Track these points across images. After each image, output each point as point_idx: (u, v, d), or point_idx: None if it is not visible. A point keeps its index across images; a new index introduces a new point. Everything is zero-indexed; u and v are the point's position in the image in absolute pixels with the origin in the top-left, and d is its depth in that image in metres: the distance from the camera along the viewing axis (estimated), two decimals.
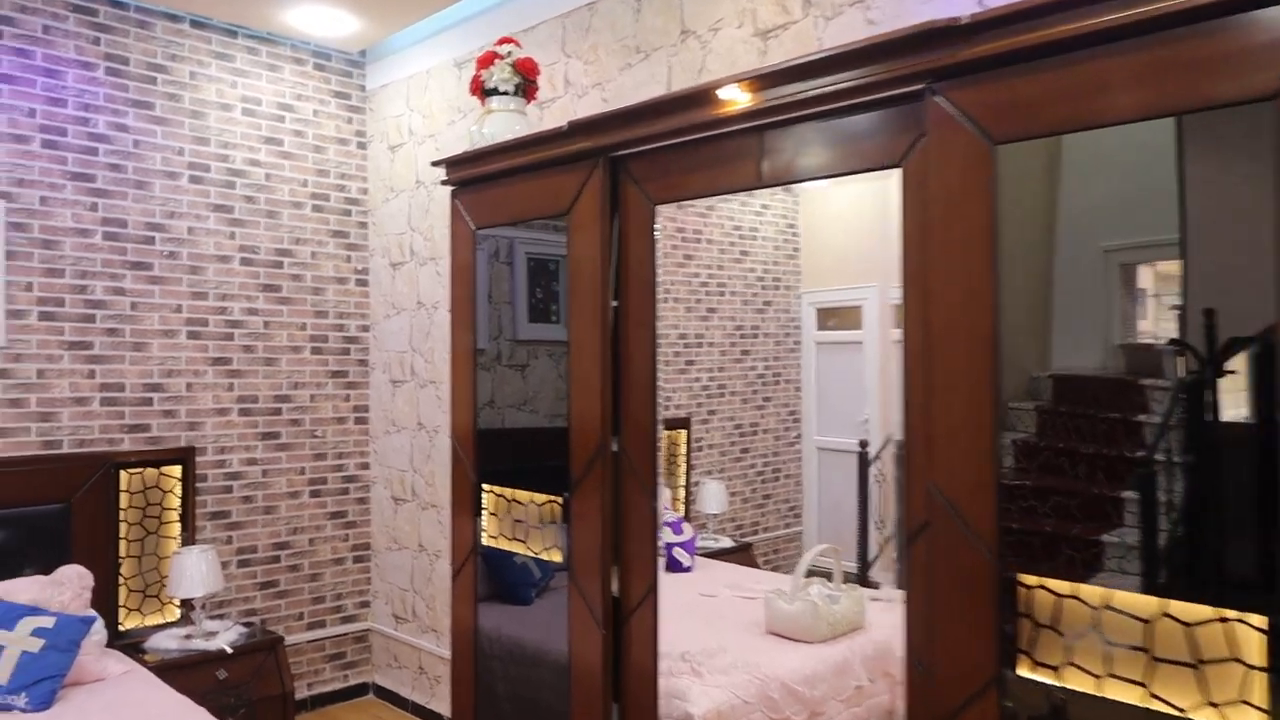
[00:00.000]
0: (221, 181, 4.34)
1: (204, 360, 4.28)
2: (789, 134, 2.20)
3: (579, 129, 2.65)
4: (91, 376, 3.95)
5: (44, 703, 3.10)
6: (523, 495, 2.94)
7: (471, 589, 3.12)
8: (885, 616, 2.70)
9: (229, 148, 4.36)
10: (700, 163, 2.42)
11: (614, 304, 2.65)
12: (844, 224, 3.22)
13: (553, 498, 2.83)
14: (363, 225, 4.84)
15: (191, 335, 4.24)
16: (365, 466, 4.84)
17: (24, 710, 3.07)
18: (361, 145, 4.84)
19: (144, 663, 3.62)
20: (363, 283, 4.84)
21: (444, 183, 3.20)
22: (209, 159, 4.30)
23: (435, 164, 3.22)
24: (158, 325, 4.14)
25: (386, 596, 4.74)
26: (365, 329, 4.85)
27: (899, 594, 1.97)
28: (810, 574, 2.97)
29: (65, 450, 3.88)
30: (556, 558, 2.81)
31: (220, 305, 4.33)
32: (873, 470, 3.02)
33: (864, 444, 3.04)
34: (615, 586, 2.62)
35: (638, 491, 2.59)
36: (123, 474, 3.96)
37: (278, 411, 4.52)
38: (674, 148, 2.47)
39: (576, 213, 2.72)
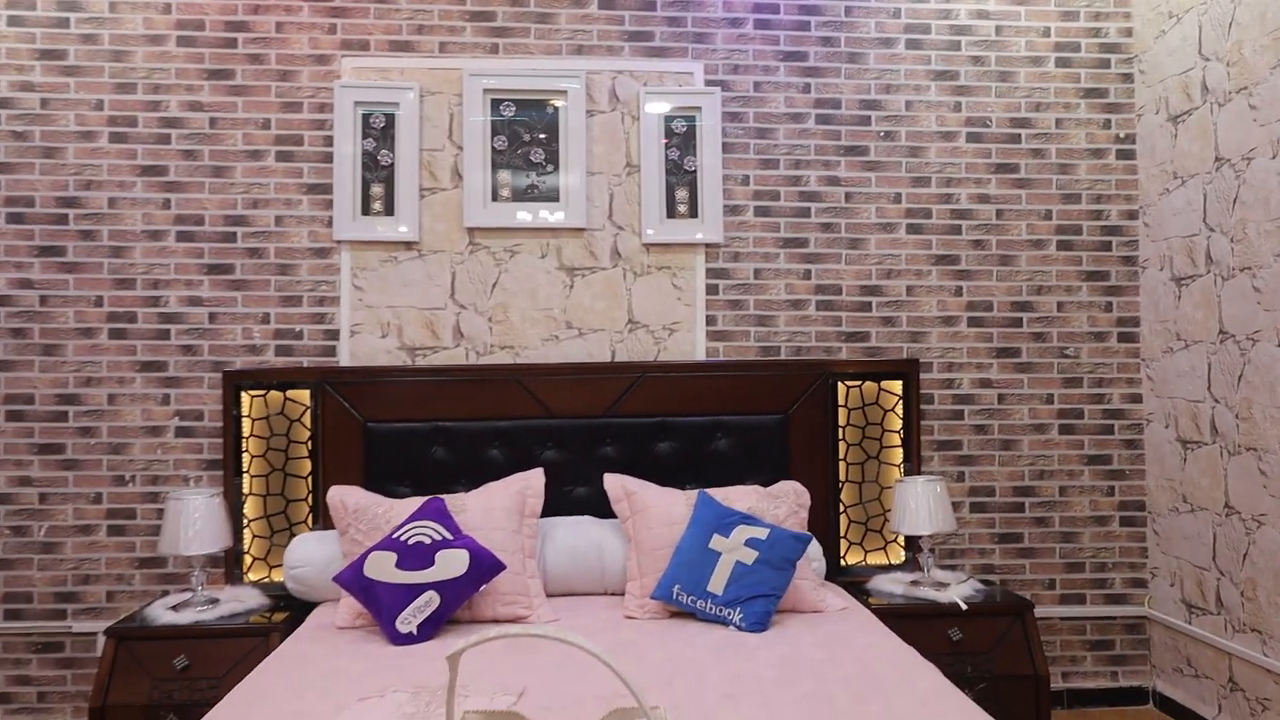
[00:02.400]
0: (944, 43, 3.59)
1: (926, 259, 3.57)
2: None
3: None
4: (807, 277, 3.54)
5: (759, 623, 2.67)
6: None
7: None
8: None
9: (952, 0, 3.59)
10: None
11: None
12: None
13: None
14: (1126, 78, 3.63)
15: (912, 229, 3.57)
16: (1135, 399, 3.61)
17: (738, 627, 2.68)
18: None
19: (866, 604, 3.03)
20: (1126, 154, 3.63)
21: None
22: (928, 17, 3.58)
23: None
24: (874, 219, 3.56)
25: (1172, 575, 3.44)
26: (1132, 215, 3.63)
27: None
28: None
29: (782, 357, 3.52)
30: None
31: (944, 192, 3.58)
32: None
33: None
34: None
35: None
36: (839, 386, 3.45)
37: (1016, 323, 3.59)
38: None
39: None
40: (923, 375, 3.54)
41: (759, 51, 3.53)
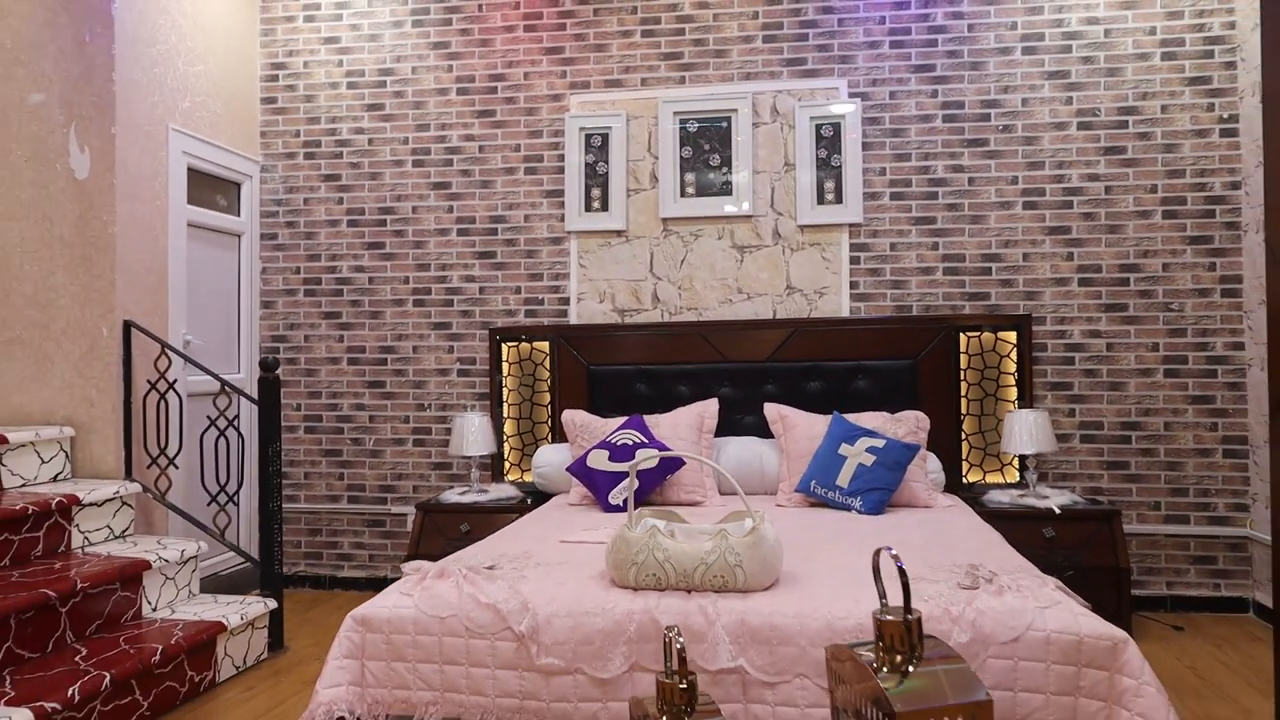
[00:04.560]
0: (1056, 47, 4.25)
1: (1040, 230, 4.25)
2: None
3: None
4: (935, 249, 4.32)
5: (873, 510, 3.55)
6: None
7: None
8: None
9: (1063, 10, 4.24)
10: None
11: None
12: None
13: None
14: (1228, 65, 4.13)
15: (1028, 206, 4.26)
16: (1238, 346, 4.11)
17: (859, 512, 3.56)
18: None
19: (972, 506, 3.80)
20: (1230, 132, 4.13)
21: None
22: (1042, 27, 4.26)
23: None
24: (993, 198, 4.28)
25: (1271, 502, 3.94)
26: (1234, 185, 4.12)
27: None
28: None
29: (913, 314, 4.32)
30: None
31: (1057, 174, 4.24)
32: None
33: None
34: None
35: None
36: (962, 337, 4.22)
37: (1124, 282, 4.19)
38: None
39: None
40: (1037, 328, 4.23)
41: (894, 66, 4.35)
